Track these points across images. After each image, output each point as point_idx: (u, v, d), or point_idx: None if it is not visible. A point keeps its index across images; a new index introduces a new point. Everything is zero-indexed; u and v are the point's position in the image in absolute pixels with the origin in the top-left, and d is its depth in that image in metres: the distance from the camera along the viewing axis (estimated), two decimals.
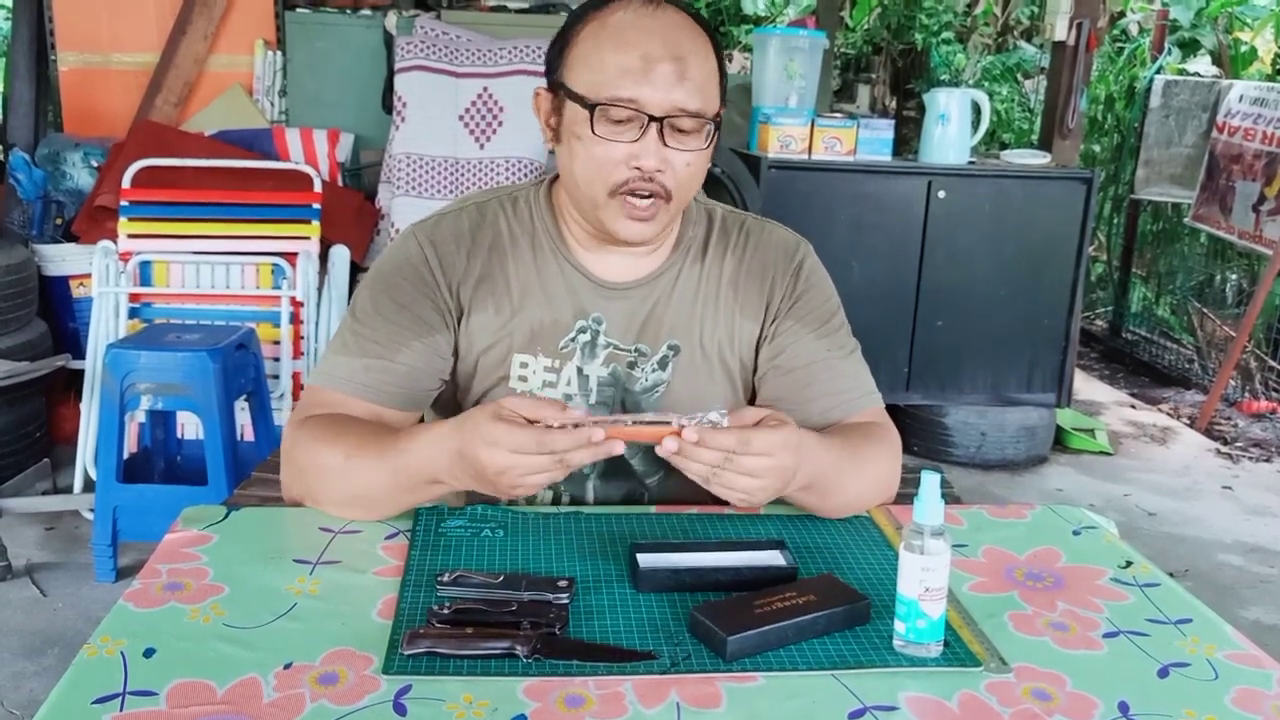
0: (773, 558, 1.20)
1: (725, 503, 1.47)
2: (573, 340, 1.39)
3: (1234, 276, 5.55)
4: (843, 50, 8.38)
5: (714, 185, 3.72)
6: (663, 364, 1.41)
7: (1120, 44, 6.94)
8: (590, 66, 1.27)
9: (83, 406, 3.41)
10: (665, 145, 1.27)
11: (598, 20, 1.29)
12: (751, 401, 1.47)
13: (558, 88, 1.31)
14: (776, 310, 1.43)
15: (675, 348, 1.41)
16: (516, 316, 1.38)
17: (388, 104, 4.14)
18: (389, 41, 4.17)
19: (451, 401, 1.43)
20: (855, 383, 1.43)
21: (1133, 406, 4.95)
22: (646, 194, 1.29)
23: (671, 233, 1.41)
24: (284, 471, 1.32)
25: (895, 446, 1.41)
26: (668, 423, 1.12)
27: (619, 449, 1.10)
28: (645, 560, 1.15)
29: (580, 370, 1.40)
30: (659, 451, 1.13)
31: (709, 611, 1.06)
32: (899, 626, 1.04)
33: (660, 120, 1.26)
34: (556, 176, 1.43)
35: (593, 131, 1.26)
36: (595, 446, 1.09)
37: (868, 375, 1.45)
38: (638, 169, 1.27)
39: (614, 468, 1.43)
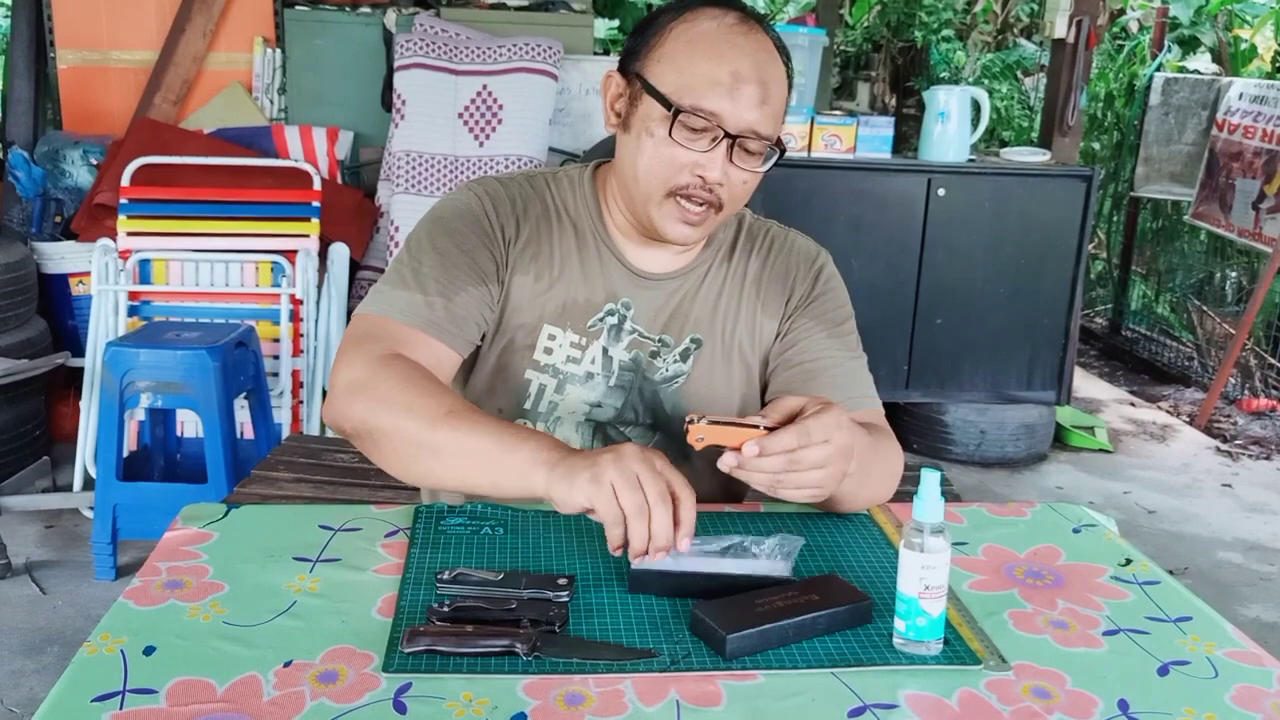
0: (772, 566, 1.17)
1: (727, 499, 1.49)
2: (601, 321, 1.42)
3: (1234, 274, 5.55)
4: (842, 48, 8.39)
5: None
6: (684, 356, 1.44)
7: (1120, 41, 6.95)
8: (679, 68, 1.29)
9: (82, 404, 3.41)
10: (730, 161, 1.30)
11: (691, 22, 1.30)
12: (762, 395, 1.49)
13: (635, 77, 1.33)
14: (794, 308, 1.47)
15: (698, 341, 1.44)
16: (553, 288, 1.41)
17: (387, 102, 4.13)
18: (388, 39, 4.16)
19: (469, 361, 1.42)
20: (858, 383, 1.44)
21: (1132, 404, 4.95)
22: (701, 202, 1.32)
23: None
24: (343, 397, 1.24)
25: (897, 446, 1.41)
26: (754, 425, 1.11)
27: (684, 547, 1.08)
28: (639, 563, 1.14)
29: (605, 350, 1.43)
30: (720, 465, 1.12)
31: (710, 609, 1.06)
32: (899, 624, 1.04)
33: (734, 138, 1.29)
34: (600, 163, 1.46)
35: (670, 134, 1.29)
36: (663, 548, 1.06)
37: (871, 382, 1.47)
38: (700, 177, 1.30)
39: None
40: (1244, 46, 6.42)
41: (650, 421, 1.45)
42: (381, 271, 2.91)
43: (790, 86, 1.36)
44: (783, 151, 1.34)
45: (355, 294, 3.80)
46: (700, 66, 1.28)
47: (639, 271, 1.43)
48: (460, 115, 3.97)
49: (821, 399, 1.17)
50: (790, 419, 1.14)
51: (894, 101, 8.24)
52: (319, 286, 3.58)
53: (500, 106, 3.92)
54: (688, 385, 1.44)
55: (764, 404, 1.49)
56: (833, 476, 1.13)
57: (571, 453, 1.11)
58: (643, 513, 1.05)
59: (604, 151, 1.50)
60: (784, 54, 1.34)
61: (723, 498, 1.49)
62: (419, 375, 1.24)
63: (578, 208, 1.44)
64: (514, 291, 1.40)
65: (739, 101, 1.27)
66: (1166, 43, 5.85)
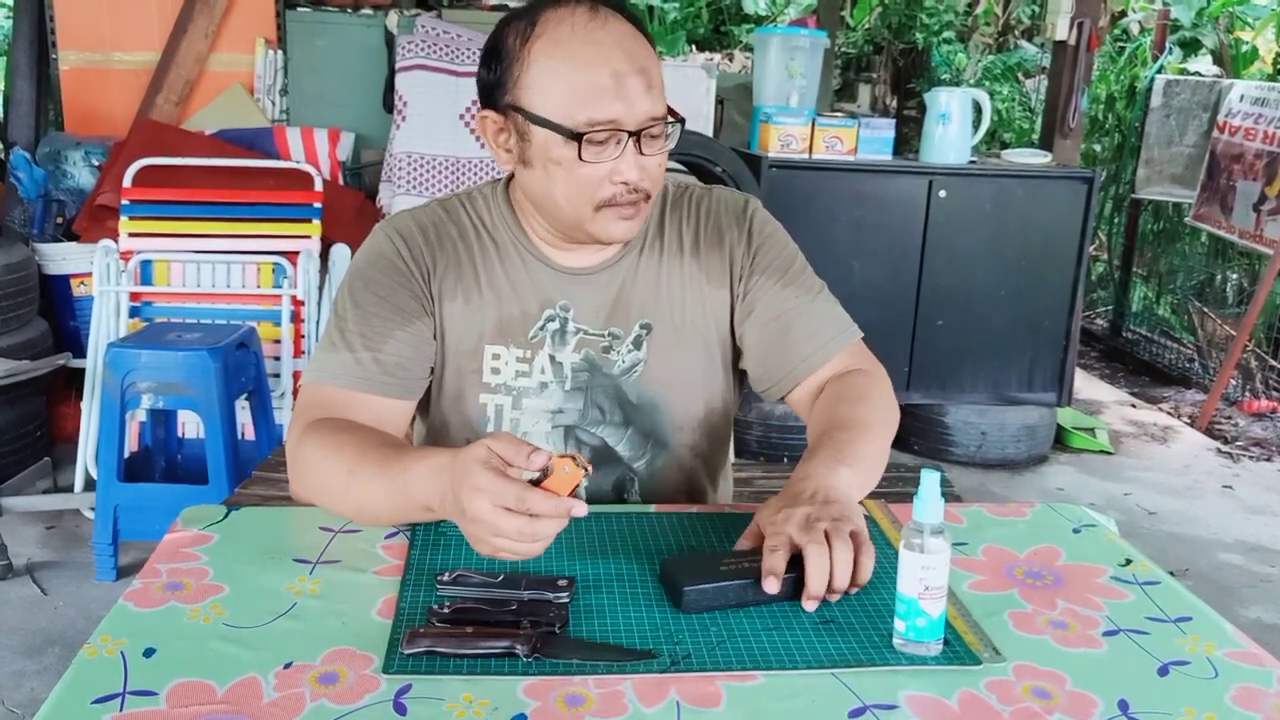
0: None
1: (690, 498, 1.50)
2: (541, 329, 1.42)
3: (1234, 276, 5.55)
4: (843, 49, 8.39)
5: (715, 184, 3.71)
6: (637, 344, 1.43)
7: (1121, 43, 6.95)
8: (558, 88, 1.26)
9: (83, 405, 3.42)
10: (641, 154, 1.29)
11: (547, 37, 1.27)
12: (735, 364, 1.49)
13: (512, 110, 1.31)
14: (740, 270, 1.45)
15: (648, 326, 1.44)
16: (485, 307, 1.41)
17: (389, 103, 4.14)
18: (390, 40, 4.17)
19: (427, 393, 1.44)
20: (829, 322, 1.44)
21: (1133, 405, 4.95)
22: (631, 201, 1.31)
23: None
24: (291, 475, 1.32)
25: (882, 382, 1.41)
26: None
27: (582, 511, 1.06)
28: (689, 585, 1.10)
29: (553, 358, 1.42)
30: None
31: (677, 564, 1.11)
32: (899, 625, 1.04)
33: (637, 134, 1.27)
34: (511, 177, 1.43)
35: (580, 158, 1.27)
36: (566, 517, 1.05)
37: (840, 311, 1.47)
38: (623, 183, 1.29)
39: (602, 457, 1.45)
40: (1245, 48, 6.42)
41: (619, 418, 1.44)
42: None
43: (655, 51, 1.34)
44: (681, 120, 1.33)
45: None
46: (578, 79, 1.25)
47: (568, 270, 1.42)
48: (462, 116, 3.97)
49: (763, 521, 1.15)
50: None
51: (895, 103, 8.24)
52: (320, 288, 3.58)
53: None
54: (648, 372, 1.43)
55: (742, 373, 1.50)
56: (847, 535, 1.09)
57: (443, 487, 1.10)
58: (523, 534, 1.04)
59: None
60: (637, 23, 1.32)
61: (686, 497, 1.50)
62: (326, 441, 1.27)
63: (495, 222, 1.43)
64: (446, 319, 1.40)
65: (629, 98, 1.26)
66: (1168, 45, 5.86)
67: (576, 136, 1.26)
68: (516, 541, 1.05)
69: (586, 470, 1.06)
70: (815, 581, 1.06)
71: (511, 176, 1.43)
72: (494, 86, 1.32)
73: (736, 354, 1.49)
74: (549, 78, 1.27)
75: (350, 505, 1.26)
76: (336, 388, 1.35)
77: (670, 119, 1.31)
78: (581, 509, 1.05)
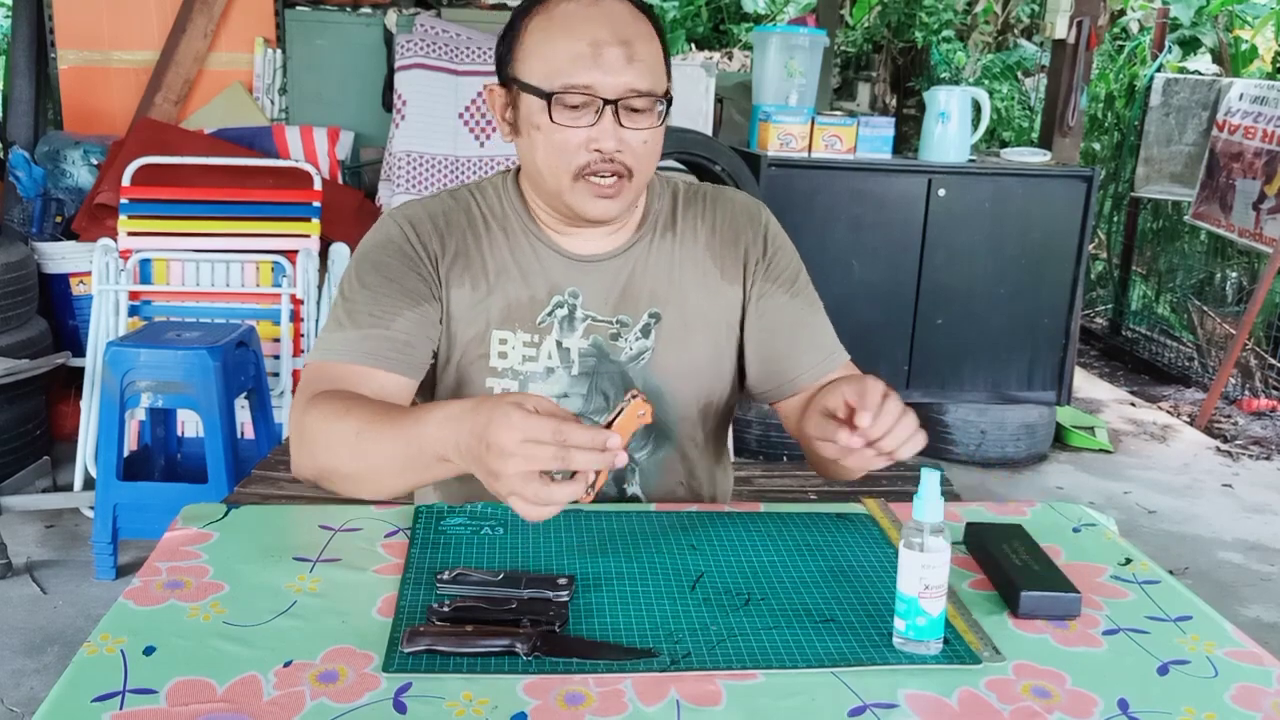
0: None
1: (690, 496, 1.49)
2: (550, 315, 1.43)
3: (1234, 274, 5.55)
4: (843, 48, 8.39)
5: (714, 182, 3.71)
6: (645, 332, 1.44)
7: (1121, 42, 6.96)
8: (542, 57, 1.31)
9: (83, 404, 3.42)
10: (621, 126, 1.31)
11: (544, 13, 1.32)
12: (740, 360, 1.50)
13: (511, 82, 1.35)
14: (753, 274, 1.48)
15: (656, 315, 1.45)
16: (492, 294, 1.42)
17: (388, 102, 4.14)
18: (389, 39, 4.17)
19: (429, 379, 1.44)
20: (830, 339, 1.50)
21: (1133, 404, 4.95)
22: (609, 174, 1.33)
23: (637, 208, 1.46)
24: (294, 450, 1.30)
25: None
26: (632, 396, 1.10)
27: (623, 460, 1.04)
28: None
29: (560, 343, 1.43)
30: (844, 442, 1.14)
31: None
32: (899, 624, 1.04)
33: (614, 102, 1.30)
34: (520, 167, 1.46)
35: (551, 119, 1.30)
36: (606, 453, 1.02)
37: (834, 331, 1.52)
38: (598, 151, 1.31)
39: None
40: (1244, 47, 6.43)
41: None
42: None
43: (663, 40, 1.36)
44: (670, 102, 1.35)
45: None
46: (560, 46, 1.30)
47: (578, 256, 1.43)
48: (461, 115, 3.97)
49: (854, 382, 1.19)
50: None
51: (894, 102, 8.24)
52: (319, 287, 3.58)
53: None
54: (655, 360, 1.44)
55: (744, 372, 1.51)
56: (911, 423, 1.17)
57: (461, 432, 1.07)
58: (556, 461, 1.01)
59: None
60: (646, 10, 1.35)
61: (685, 489, 1.50)
62: (333, 406, 1.25)
63: (504, 211, 1.45)
64: (453, 305, 1.41)
65: (606, 66, 1.29)
66: (1167, 43, 5.86)
67: (549, 96, 1.29)
68: (549, 463, 1.00)
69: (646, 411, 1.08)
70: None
71: (520, 168, 1.45)
72: (500, 61, 1.38)
73: (740, 350, 1.50)
74: (538, 48, 1.32)
75: (359, 467, 1.22)
76: (341, 363, 1.34)
77: (661, 98, 1.33)
78: (616, 442, 1.02)
